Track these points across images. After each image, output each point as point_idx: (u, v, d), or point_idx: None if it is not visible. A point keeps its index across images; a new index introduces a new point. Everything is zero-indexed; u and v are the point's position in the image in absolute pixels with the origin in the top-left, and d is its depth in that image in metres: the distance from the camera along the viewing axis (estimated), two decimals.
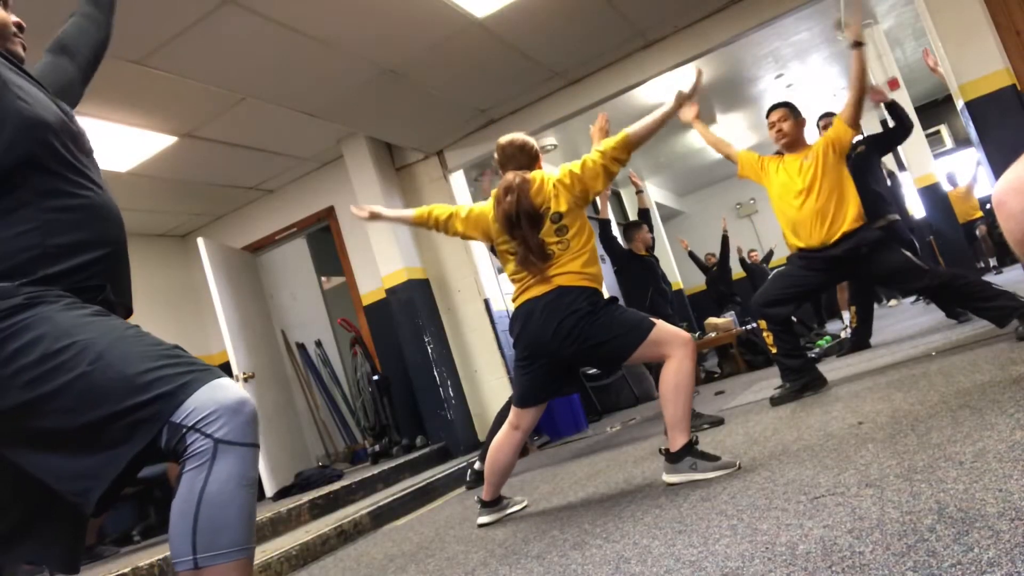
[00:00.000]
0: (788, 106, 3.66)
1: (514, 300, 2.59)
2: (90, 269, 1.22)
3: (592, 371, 5.95)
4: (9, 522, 1.22)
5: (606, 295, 2.53)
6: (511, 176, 2.58)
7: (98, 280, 1.24)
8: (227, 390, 1.09)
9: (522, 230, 2.49)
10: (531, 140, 2.73)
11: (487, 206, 2.66)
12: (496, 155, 2.73)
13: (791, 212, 3.48)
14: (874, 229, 3.44)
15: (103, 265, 1.25)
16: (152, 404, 1.06)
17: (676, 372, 2.34)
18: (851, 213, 3.39)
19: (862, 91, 3.35)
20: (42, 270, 1.15)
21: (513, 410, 2.67)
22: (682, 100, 2.49)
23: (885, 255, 3.39)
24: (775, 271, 3.76)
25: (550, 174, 2.59)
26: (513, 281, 2.60)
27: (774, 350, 3.50)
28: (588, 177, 2.50)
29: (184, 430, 1.06)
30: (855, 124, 3.45)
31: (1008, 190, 0.94)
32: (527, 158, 2.68)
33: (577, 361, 2.56)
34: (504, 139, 2.72)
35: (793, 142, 3.57)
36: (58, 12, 1.73)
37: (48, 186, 1.20)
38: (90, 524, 3.78)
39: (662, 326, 2.40)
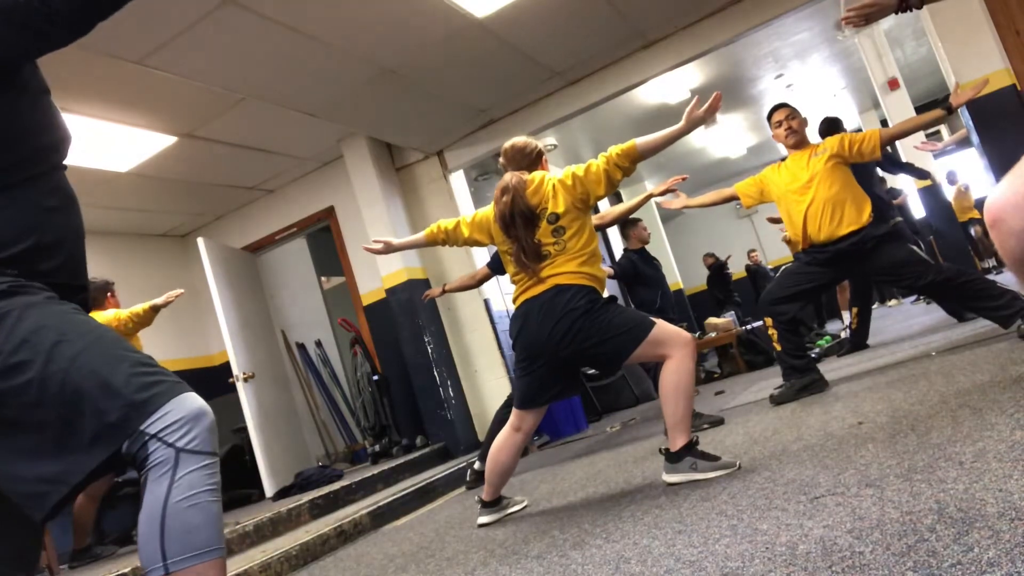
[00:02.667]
0: (791, 105, 3.68)
1: (514, 301, 2.59)
2: (69, 267, 1.24)
3: (592, 371, 5.94)
4: None
5: (605, 295, 2.53)
6: (508, 176, 2.59)
7: (79, 279, 1.25)
8: (191, 401, 1.10)
9: (517, 230, 2.49)
10: (532, 142, 2.73)
11: (490, 209, 2.67)
12: (500, 159, 2.75)
13: (799, 207, 3.47)
14: (880, 225, 3.44)
15: (76, 260, 1.26)
16: (124, 409, 1.05)
17: (676, 372, 2.33)
18: (863, 211, 3.39)
19: (912, 133, 3.42)
20: (34, 264, 1.16)
21: (514, 412, 2.66)
22: (694, 120, 2.44)
23: (891, 248, 3.39)
24: (782, 268, 3.77)
25: (552, 175, 2.59)
26: (514, 282, 2.61)
27: (778, 348, 3.51)
28: (591, 181, 2.49)
29: (146, 438, 1.05)
30: (884, 146, 3.47)
31: (1006, 206, 0.88)
32: (527, 160, 2.68)
33: (576, 361, 2.55)
34: (507, 143, 2.74)
35: (801, 140, 3.59)
36: None
37: (49, 186, 1.22)
38: (85, 525, 3.79)
39: (663, 325, 2.39)
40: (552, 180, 2.55)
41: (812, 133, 3.83)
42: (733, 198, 3.79)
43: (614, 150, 2.47)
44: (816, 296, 3.86)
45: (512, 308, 2.62)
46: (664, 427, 2.45)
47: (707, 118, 2.44)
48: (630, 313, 2.46)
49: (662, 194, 3.47)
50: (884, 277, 3.57)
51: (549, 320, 2.41)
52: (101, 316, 3.85)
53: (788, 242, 8.25)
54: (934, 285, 3.34)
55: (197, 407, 1.09)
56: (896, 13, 2.20)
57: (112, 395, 1.05)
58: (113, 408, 1.05)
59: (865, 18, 2.19)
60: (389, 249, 2.91)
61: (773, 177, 3.63)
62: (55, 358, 1.06)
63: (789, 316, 3.49)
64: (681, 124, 2.44)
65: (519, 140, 2.73)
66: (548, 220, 2.49)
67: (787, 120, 3.59)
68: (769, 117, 3.72)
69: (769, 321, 3.54)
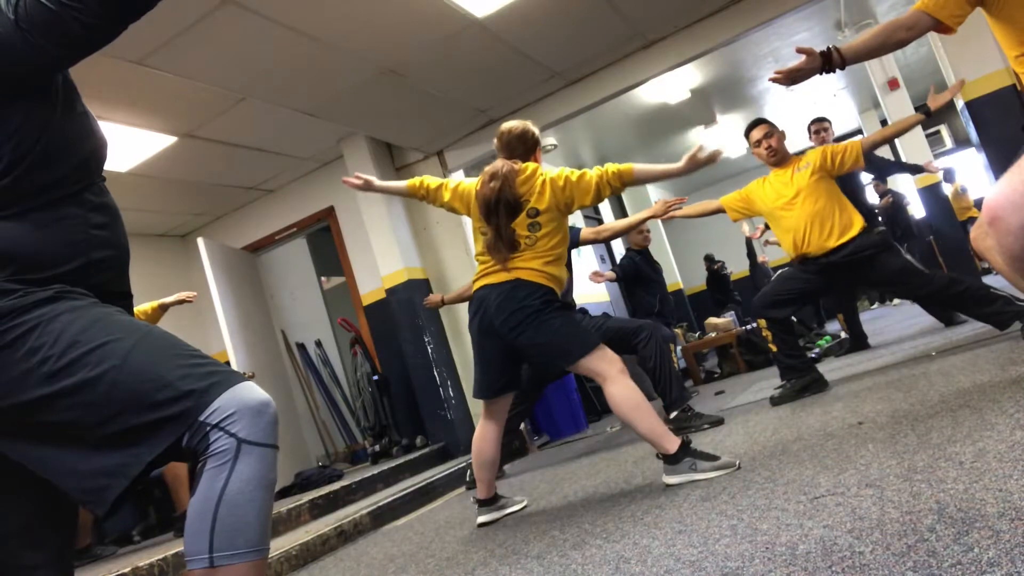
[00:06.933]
0: (768, 121, 3.65)
1: (473, 282, 2.62)
2: (116, 278, 1.25)
3: None
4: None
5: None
6: (500, 163, 2.60)
7: (124, 287, 1.26)
8: (251, 391, 1.09)
9: (498, 218, 2.51)
10: (531, 129, 2.72)
11: (475, 183, 2.67)
12: (496, 141, 2.74)
13: (788, 223, 3.47)
14: (873, 234, 3.43)
15: (123, 272, 1.27)
16: (182, 401, 1.05)
17: (622, 394, 2.37)
18: (852, 222, 3.38)
19: (893, 139, 3.41)
20: (84, 280, 1.16)
21: (483, 404, 2.72)
22: (695, 164, 2.49)
23: (886, 259, 3.38)
24: (779, 272, 3.76)
25: (545, 169, 2.59)
26: (479, 262, 2.63)
27: (774, 349, 3.51)
28: (581, 189, 2.51)
29: (208, 428, 1.05)
30: (867, 154, 3.46)
31: (1005, 205, 0.88)
32: (523, 148, 2.68)
33: (522, 355, 2.59)
34: (505, 126, 2.72)
35: (782, 158, 3.57)
36: None
37: (95, 201, 1.22)
38: (85, 525, 3.80)
39: (603, 350, 2.43)
40: (544, 175, 2.55)
41: (803, 138, 3.83)
42: (719, 211, 3.79)
43: (611, 167, 2.50)
44: (810, 300, 3.85)
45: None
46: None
47: (707, 164, 2.48)
48: (578, 328, 2.49)
49: (663, 214, 3.52)
50: (883, 287, 3.58)
51: (504, 310, 2.45)
52: None
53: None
54: (931, 296, 3.37)
55: (260, 398, 1.09)
56: (820, 74, 2.32)
57: (167, 388, 1.05)
58: (169, 400, 1.05)
59: (791, 79, 2.30)
60: (369, 187, 2.85)
61: (759, 192, 3.62)
62: (106, 357, 1.06)
63: (781, 318, 3.48)
64: (680, 165, 2.48)
65: (516, 126, 2.70)
66: (528, 213, 2.51)
67: (765, 139, 3.56)
68: (747, 135, 3.68)
69: (763, 323, 3.54)
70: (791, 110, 8.96)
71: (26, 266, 1.10)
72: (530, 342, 2.44)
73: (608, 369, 2.40)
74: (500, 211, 2.50)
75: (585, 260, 7.65)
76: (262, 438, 1.07)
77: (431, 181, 2.82)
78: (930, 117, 3.23)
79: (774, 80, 2.33)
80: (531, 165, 2.60)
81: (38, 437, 1.10)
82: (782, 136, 3.61)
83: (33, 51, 1.08)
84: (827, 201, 3.40)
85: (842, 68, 2.28)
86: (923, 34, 2.18)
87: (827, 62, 2.27)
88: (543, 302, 2.44)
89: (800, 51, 2.28)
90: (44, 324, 1.07)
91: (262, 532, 1.07)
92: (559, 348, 2.44)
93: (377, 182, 2.87)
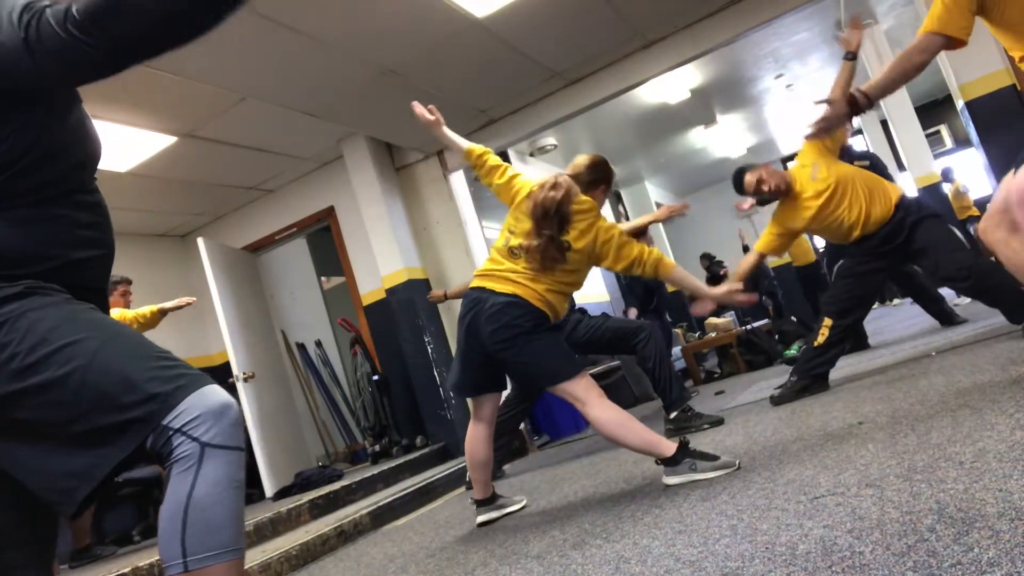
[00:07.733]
0: (745, 168, 3.56)
1: (476, 274, 2.61)
2: (98, 276, 1.25)
3: (594, 370, 5.95)
4: None
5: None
6: (564, 178, 2.59)
7: (99, 283, 1.26)
8: (213, 394, 1.09)
9: (550, 227, 2.48)
10: (603, 164, 2.71)
11: (530, 184, 2.63)
12: (568, 173, 2.73)
13: (845, 217, 3.34)
14: (911, 199, 3.41)
15: (103, 271, 1.27)
16: (147, 404, 1.05)
17: (605, 416, 2.37)
18: (888, 187, 3.38)
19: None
20: (60, 280, 1.16)
21: (471, 404, 2.74)
22: (729, 300, 2.59)
23: (931, 222, 3.29)
24: (838, 269, 3.63)
25: (602, 217, 2.58)
26: (491, 258, 2.62)
27: (816, 344, 3.40)
28: (619, 254, 2.51)
29: (170, 432, 1.05)
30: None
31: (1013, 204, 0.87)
32: (589, 176, 2.66)
33: (503, 367, 2.61)
34: (579, 158, 2.74)
35: (787, 185, 3.45)
36: None
37: (88, 201, 1.22)
38: (84, 525, 3.80)
39: (586, 377, 2.44)
40: (597, 220, 2.54)
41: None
42: (762, 258, 3.69)
43: (654, 255, 2.53)
44: (872, 291, 3.66)
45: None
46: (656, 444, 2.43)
47: (738, 304, 2.64)
48: (562, 352, 2.50)
49: (667, 219, 3.57)
50: (927, 256, 3.33)
51: (494, 322, 2.45)
52: None
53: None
54: (973, 283, 3.21)
55: (222, 400, 1.09)
56: (850, 117, 2.40)
57: (133, 390, 1.05)
58: (135, 403, 1.05)
59: (825, 131, 2.42)
60: (437, 125, 2.75)
61: (789, 216, 3.48)
62: (74, 356, 1.06)
63: (851, 335, 3.50)
64: (717, 293, 2.60)
65: (586, 161, 2.70)
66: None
67: (759, 183, 3.45)
68: (740, 191, 3.58)
69: (828, 321, 3.40)
70: (791, 111, 8.96)
71: (1, 263, 1.10)
72: (514, 360, 2.47)
73: (586, 395, 2.40)
74: (554, 221, 2.48)
75: None
76: (225, 441, 1.07)
77: (492, 159, 2.75)
78: (854, 59, 3.09)
79: (809, 137, 2.47)
80: (591, 202, 2.57)
81: (9, 435, 1.10)
82: (767, 167, 3.51)
83: (37, 70, 1.09)
84: (860, 176, 3.39)
85: (869, 108, 2.34)
86: (938, 53, 2.22)
87: (853, 106, 2.31)
88: (534, 324, 2.45)
89: (822, 102, 2.36)
90: (12, 321, 1.07)
91: (235, 532, 1.07)
92: (541, 370, 2.47)
93: (444, 126, 2.76)
